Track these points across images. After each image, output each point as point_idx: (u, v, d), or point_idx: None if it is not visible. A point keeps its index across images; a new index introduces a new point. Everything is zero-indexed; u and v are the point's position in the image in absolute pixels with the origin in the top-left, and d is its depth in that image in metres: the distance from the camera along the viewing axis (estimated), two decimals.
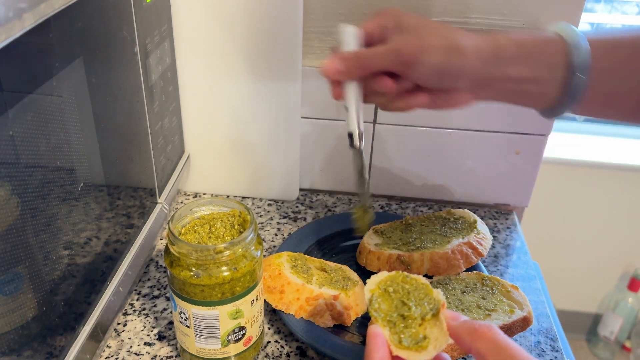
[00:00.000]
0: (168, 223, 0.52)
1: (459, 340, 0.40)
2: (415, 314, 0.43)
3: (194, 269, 0.49)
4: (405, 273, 0.46)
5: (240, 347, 0.55)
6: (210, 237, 0.52)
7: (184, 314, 0.53)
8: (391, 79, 0.53)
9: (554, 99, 0.53)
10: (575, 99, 0.52)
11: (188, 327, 0.53)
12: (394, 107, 0.55)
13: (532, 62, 0.52)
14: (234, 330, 0.53)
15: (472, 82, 0.53)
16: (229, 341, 0.54)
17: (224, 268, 0.50)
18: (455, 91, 0.54)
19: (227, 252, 0.49)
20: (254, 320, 0.55)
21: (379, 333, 0.42)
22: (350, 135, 0.55)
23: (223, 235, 0.53)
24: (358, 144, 0.55)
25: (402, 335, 0.42)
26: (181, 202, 0.82)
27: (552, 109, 0.54)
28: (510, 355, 0.37)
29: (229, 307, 0.51)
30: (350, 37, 0.55)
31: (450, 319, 0.42)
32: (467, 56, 0.51)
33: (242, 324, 0.53)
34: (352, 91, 0.55)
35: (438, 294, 0.44)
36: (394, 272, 0.47)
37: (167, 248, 0.51)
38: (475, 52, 0.51)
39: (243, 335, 0.54)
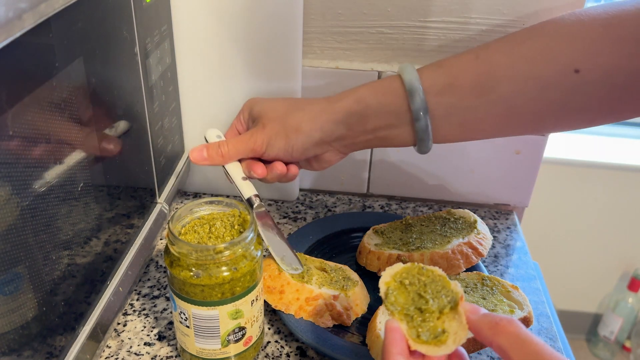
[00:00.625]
0: (168, 223, 0.52)
1: (479, 334, 0.39)
2: (433, 307, 0.42)
3: (194, 269, 0.49)
4: (421, 265, 0.45)
5: (240, 347, 0.55)
6: (210, 237, 0.52)
7: (184, 314, 0.53)
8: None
9: (412, 138, 0.58)
10: (427, 135, 0.56)
11: (188, 327, 0.53)
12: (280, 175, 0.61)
13: (380, 113, 0.57)
14: (234, 330, 0.53)
15: (329, 145, 0.60)
16: (229, 341, 0.54)
17: (224, 268, 0.50)
18: (320, 155, 0.61)
19: (227, 252, 0.49)
20: (254, 320, 0.55)
21: (397, 327, 0.41)
22: (249, 201, 0.60)
23: (223, 235, 0.53)
24: (258, 202, 0.60)
25: (420, 330, 0.41)
26: (181, 202, 0.82)
27: (416, 146, 0.58)
28: (534, 350, 0.36)
29: (229, 307, 0.51)
30: (213, 136, 0.65)
31: (470, 312, 0.41)
32: (308, 131, 0.58)
33: (242, 324, 0.53)
34: (232, 168, 0.62)
35: (456, 285, 0.43)
36: (409, 264, 0.45)
37: (167, 248, 0.51)
38: (316, 125, 0.59)
39: (243, 335, 0.54)
